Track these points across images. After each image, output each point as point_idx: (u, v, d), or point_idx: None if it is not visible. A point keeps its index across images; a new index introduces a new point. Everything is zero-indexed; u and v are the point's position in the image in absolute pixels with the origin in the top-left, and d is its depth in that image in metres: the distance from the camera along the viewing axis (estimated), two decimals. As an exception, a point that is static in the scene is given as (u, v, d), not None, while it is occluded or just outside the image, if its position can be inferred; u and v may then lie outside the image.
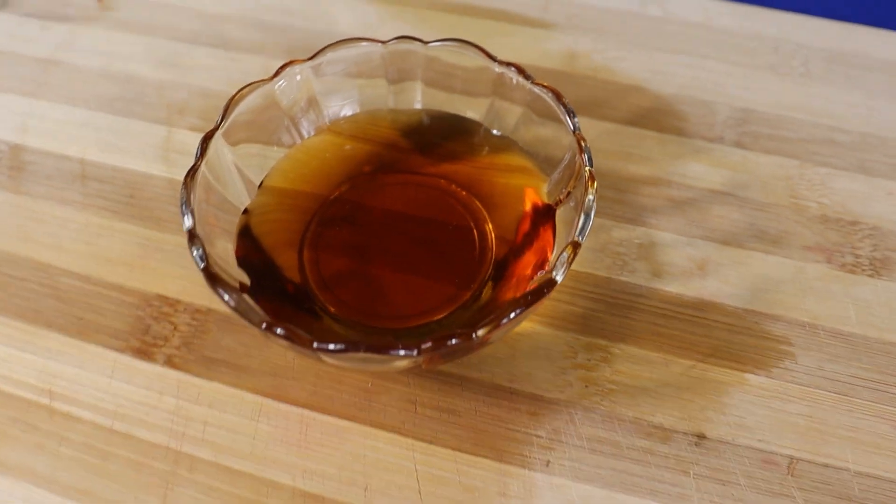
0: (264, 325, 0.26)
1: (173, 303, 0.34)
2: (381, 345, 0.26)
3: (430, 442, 0.30)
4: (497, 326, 0.26)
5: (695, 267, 0.34)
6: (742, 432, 0.30)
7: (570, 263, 0.27)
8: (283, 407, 0.31)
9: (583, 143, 0.29)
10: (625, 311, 0.33)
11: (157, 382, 0.32)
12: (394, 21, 0.43)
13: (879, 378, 0.31)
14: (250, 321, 0.26)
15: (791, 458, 0.29)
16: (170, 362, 0.32)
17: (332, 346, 0.26)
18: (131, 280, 0.34)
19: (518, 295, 0.30)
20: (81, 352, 0.33)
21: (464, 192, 0.34)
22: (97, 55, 0.43)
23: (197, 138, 0.39)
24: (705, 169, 0.37)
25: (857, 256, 0.34)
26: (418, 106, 0.36)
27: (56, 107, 0.41)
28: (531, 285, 0.28)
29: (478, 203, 0.34)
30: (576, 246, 0.27)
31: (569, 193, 0.31)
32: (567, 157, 0.31)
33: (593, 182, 0.28)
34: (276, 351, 0.32)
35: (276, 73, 0.33)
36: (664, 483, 0.29)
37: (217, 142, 0.31)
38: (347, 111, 0.36)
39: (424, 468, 0.29)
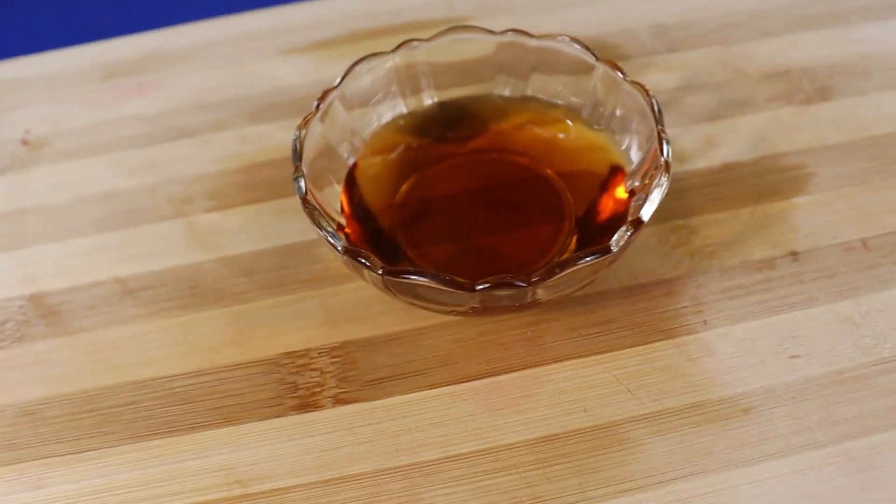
0: (479, 288, 0.29)
1: (303, 353, 0.35)
2: (576, 257, 0.29)
3: (609, 351, 0.34)
4: (654, 205, 0.31)
5: (704, 143, 0.41)
6: (818, 238, 0.37)
7: (669, 144, 0.33)
8: (470, 385, 0.33)
9: (616, 63, 0.36)
10: (680, 193, 0.39)
11: (340, 422, 0.33)
12: (332, 61, 0.47)
13: (877, 163, 0.40)
14: (462, 288, 0.29)
15: (862, 239, 0.37)
16: (339, 400, 0.33)
17: (541, 276, 0.29)
18: (247, 354, 0.35)
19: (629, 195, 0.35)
20: (243, 435, 0.33)
21: (508, 155, 0.38)
22: (63, 189, 0.42)
23: (220, 217, 0.40)
24: (661, 76, 0.44)
25: (805, 92, 0.43)
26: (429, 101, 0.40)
27: (50, 247, 0.39)
28: (655, 166, 0.33)
29: (524, 157, 0.38)
30: (663, 133, 0.33)
31: (613, 111, 0.37)
32: (595, 82, 0.37)
33: (644, 86, 0.34)
34: (432, 346, 0.34)
35: (317, 108, 0.35)
36: (793, 295, 0.35)
37: (305, 175, 0.33)
38: (373, 130, 0.39)
39: (619, 371, 0.33)
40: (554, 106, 0.39)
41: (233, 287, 0.37)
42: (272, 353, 0.35)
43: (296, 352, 0.35)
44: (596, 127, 0.38)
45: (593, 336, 0.34)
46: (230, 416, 0.33)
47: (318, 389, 0.33)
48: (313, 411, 0.33)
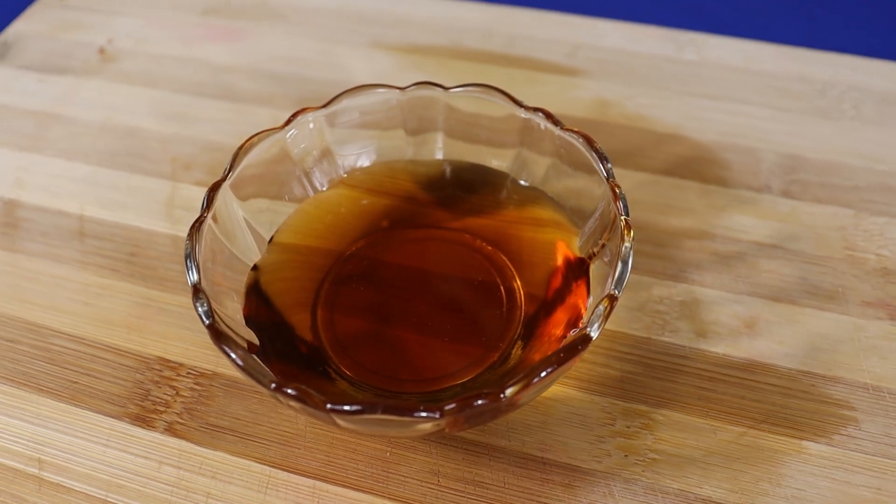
0: (273, 386, 0.27)
1: (175, 366, 0.34)
2: (401, 406, 0.26)
3: (455, 517, 0.30)
4: (527, 386, 0.26)
5: (742, 325, 0.34)
6: (801, 506, 0.29)
7: (607, 318, 0.27)
8: (294, 478, 0.31)
9: (617, 191, 0.30)
10: (667, 373, 0.33)
11: (156, 451, 0.32)
12: (412, 70, 0.45)
13: (953, 446, 0.30)
14: (259, 382, 0.27)
15: (858, 534, 0.29)
16: (171, 430, 0.32)
17: (346, 408, 0.26)
18: (130, 342, 0.35)
19: (550, 353, 0.30)
20: (75, 418, 0.33)
21: (489, 248, 0.35)
22: (98, 108, 0.45)
23: (201, 194, 0.40)
24: (752, 221, 0.37)
25: (922, 312, 0.34)
26: (440, 156, 0.37)
27: (53, 161, 0.42)
28: (564, 342, 0.28)
29: (504, 258, 0.34)
30: (612, 299, 0.28)
31: (603, 246, 0.31)
32: (600, 206, 0.32)
33: (629, 231, 0.29)
34: (287, 417, 0.33)
35: (287, 122, 0.34)
36: (716, 563, 0.28)
37: (224, 193, 0.32)
38: (364, 162, 0.37)
39: (448, 547, 0.29)
40: (560, 209, 0.34)
41: (165, 271, 0.37)
42: (151, 353, 0.35)
43: (171, 362, 0.35)
44: (585, 254, 0.33)
45: (452, 492, 0.30)
46: (75, 395, 0.34)
47: (163, 409, 0.33)
48: (143, 428, 0.33)
